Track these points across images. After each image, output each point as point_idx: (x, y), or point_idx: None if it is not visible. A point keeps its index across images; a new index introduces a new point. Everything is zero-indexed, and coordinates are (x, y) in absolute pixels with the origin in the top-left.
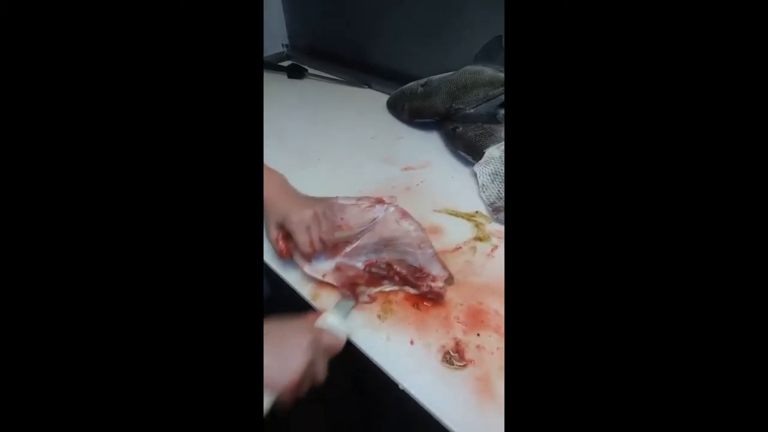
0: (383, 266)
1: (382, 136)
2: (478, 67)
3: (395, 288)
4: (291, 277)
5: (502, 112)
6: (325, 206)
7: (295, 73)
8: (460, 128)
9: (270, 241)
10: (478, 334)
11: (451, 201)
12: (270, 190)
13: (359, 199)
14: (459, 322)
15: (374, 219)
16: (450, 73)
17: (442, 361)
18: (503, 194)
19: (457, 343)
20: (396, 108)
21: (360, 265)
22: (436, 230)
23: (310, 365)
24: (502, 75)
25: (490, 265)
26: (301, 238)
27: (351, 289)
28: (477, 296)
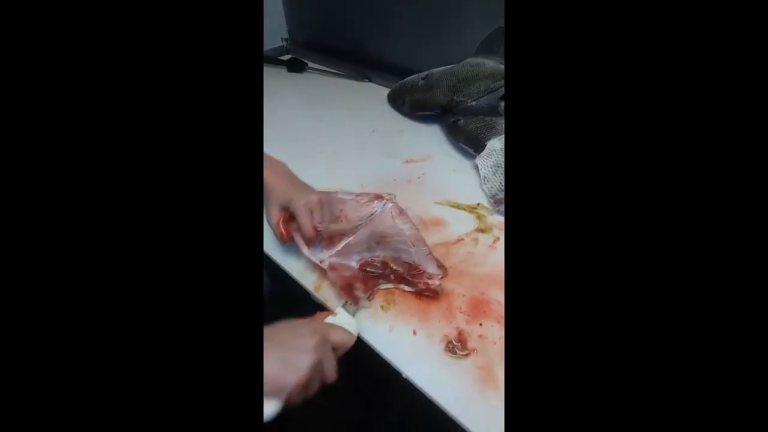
0: (378, 264)
1: (383, 129)
2: (479, 60)
3: (391, 286)
4: (293, 268)
5: (503, 104)
6: (326, 197)
7: (295, 67)
8: (462, 121)
9: (270, 224)
10: (481, 324)
11: (453, 193)
12: (273, 175)
13: (358, 194)
14: (461, 312)
15: (372, 214)
16: (451, 65)
17: (445, 350)
18: (505, 186)
19: (460, 333)
20: (397, 101)
21: (354, 264)
22: (438, 222)
23: (318, 365)
24: (503, 67)
25: (492, 256)
26: (305, 221)
27: (348, 292)
28: (479, 287)
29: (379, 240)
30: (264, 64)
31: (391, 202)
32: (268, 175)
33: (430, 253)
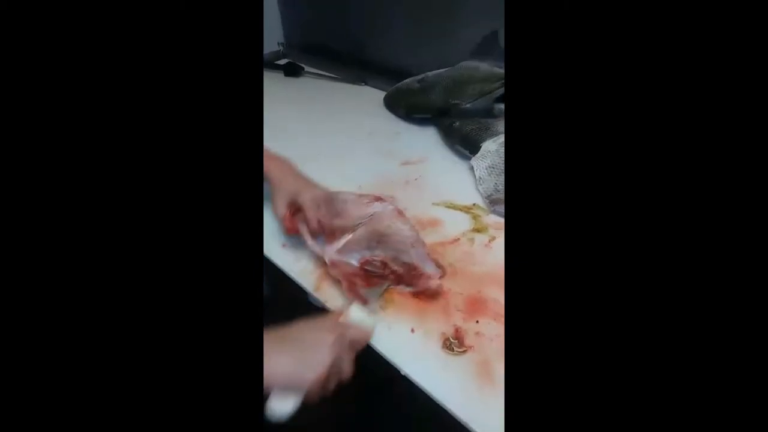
0: (378, 264)
1: (379, 132)
2: (474, 63)
3: (391, 287)
4: (291, 269)
5: (498, 106)
6: (331, 194)
7: (292, 71)
8: (457, 123)
9: (277, 216)
10: (477, 321)
11: (449, 194)
12: (279, 170)
13: (360, 195)
14: (458, 311)
15: (372, 214)
16: (446, 69)
17: (443, 347)
18: (500, 187)
19: (457, 330)
20: (393, 104)
21: (355, 262)
22: (434, 223)
23: (336, 362)
24: (497, 70)
25: (488, 256)
26: (312, 214)
27: (352, 289)
28: (476, 285)
29: (379, 240)
30: None
31: (390, 204)
32: (275, 169)
33: (429, 254)
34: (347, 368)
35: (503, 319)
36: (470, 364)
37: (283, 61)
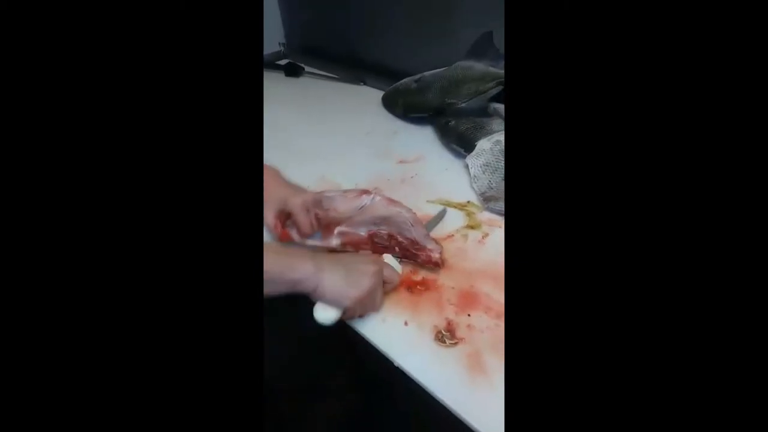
0: (385, 237)
1: (377, 131)
2: (469, 63)
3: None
4: None
5: (492, 105)
6: (317, 196)
7: (292, 71)
8: (453, 122)
9: (267, 226)
10: (469, 315)
11: (444, 192)
12: (265, 181)
13: (345, 191)
14: (451, 304)
15: (362, 207)
16: (443, 69)
17: (435, 339)
18: (494, 184)
19: (449, 323)
20: (391, 104)
21: (363, 233)
22: (429, 220)
23: (374, 289)
24: (492, 70)
25: (481, 251)
26: (303, 219)
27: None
28: (468, 280)
29: (382, 221)
30: None
31: (378, 195)
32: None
33: (428, 233)
34: (379, 300)
35: (494, 313)
36: (461, 356)
37: (283, 62)
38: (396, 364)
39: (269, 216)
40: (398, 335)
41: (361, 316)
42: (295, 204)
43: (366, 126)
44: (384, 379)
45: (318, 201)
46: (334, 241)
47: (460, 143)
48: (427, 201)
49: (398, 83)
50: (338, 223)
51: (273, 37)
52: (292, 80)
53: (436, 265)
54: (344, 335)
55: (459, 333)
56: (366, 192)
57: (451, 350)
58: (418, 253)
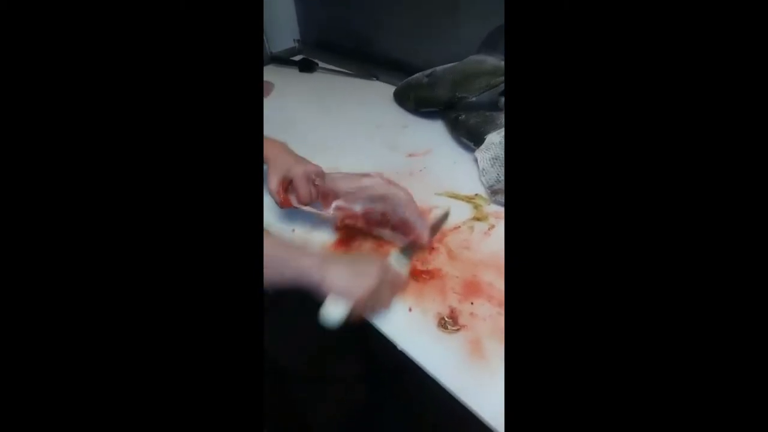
0: (378, 214)
1: (388, 125)
2: (480, 57)
3: (386, 233)
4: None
5: (503, 99)
6: (320, 168)
7: (306, 67)
8: (463, 116)
9: (270, 191)
10: (472, 303)
11: (453, 185)
12: (273, 149)
13: (348, 173)
14: (455, 293)
15: (365, 186)
16: (454, 63)
17: (438, 326)
18: (502, 178)
19: (452, 311)
20: (402, 98)
21: (358, 209)
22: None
23: (378, 288)
24: (503, 63)
25: (486, 243)
26: (303, 186)
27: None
28: (472, 270)
29: (378, 199)
30: (276, 65)
31: (380, 178)
32: (269, 150)
33: (419, 213)
34: (386, 300)
35: (496, 302)
36: (463, 342)
37: (298, 57)
38: (399, 349)
39: (273, 182)
40: (402, 321)
41: (370, 314)
42: (298, 172)
43: (377, 120)
44: (388, 363)
45: (320, 173)
46: (331, 212)
47: (470, 137)
48: (435, 193)
49: (410, 78)
50: (337, 195)
51: (288, 33)
52: (306, 75)
53: (423, 247)
54: (357, 338)
55: (461, 320)
56: (368, 175)
57: (454, 336)
58: (408, 232)
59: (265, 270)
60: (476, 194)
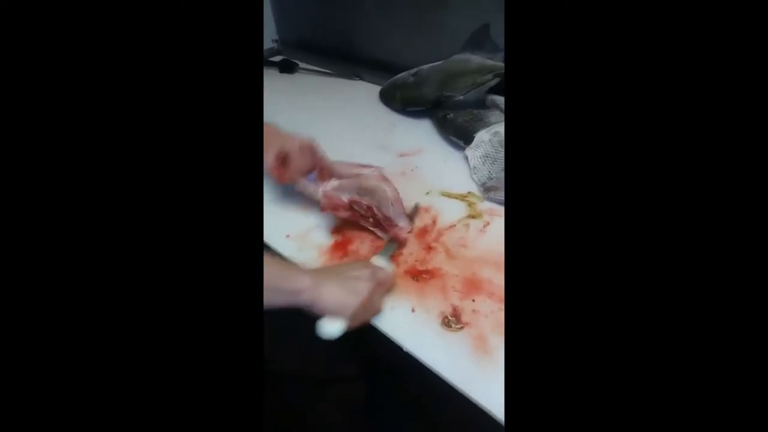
0: (364, 207)
1: (376, 125)
2: (465, 56)
3: (368, 226)
4: (297, 259)
5: (489, 97)
6: (314, 143)
7: (287, 67)
8: (451, 115)
9: (267, 170)
10: (473, 300)
11: (445, 183)
12: (267, 130)
13: (347, 162)
14: (455, 291)
15: (360, 175)
16: (439, 62)
17: (442, 324)
18: (494, 175)
19: (455, 309)
20: (388, 98)
21: (345, 199)
22: (431, 211)
23: (373, 293)
24: (489, 62)
25: (482, 240)
26: (300, 158)
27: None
28: (471, 267)
29: (366, 192)
30: None
31: (377, 171)
32: (263, 128)
33: (406, 213)
34: (379, 304)
35: (497, 297)
36: (467, 339)
37: (277, 58)
38: (405, 350)
39: (269, 158)
40: (406, 322)
41: (364, 323)
42: (293, 144)
43: (364, 120)
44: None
45: (314, 144)
46: (320, 194)
47: (459, 135)
48: (428, 193)
49: (395, 77)
50: (332, 175)
51: (266, 33)
52: (286, 77)
53: (402, 243)
54: (356, 338)
55: (464, 317)
56: (368, 166)
57: (457, 334)
58: (389, 228)
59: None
60: (469, 192)
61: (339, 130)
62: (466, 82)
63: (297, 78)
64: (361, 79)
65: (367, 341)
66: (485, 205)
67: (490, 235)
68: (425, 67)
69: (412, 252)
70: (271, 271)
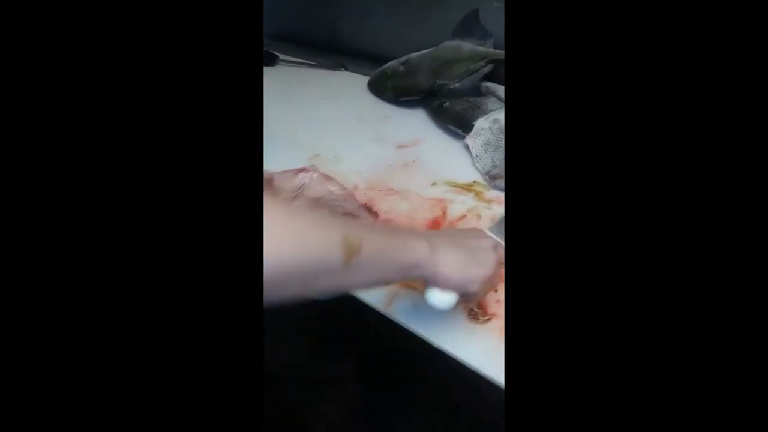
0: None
1: (368, 117)
2: (456, 42)
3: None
4: None
5: (485, 84)
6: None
7: (267, 60)
8: (447, 103)
9: None
10: (496, 290)
11: (449, 173)
12: None
13: (283, 171)
14: None
15: (302, 185)
16: (429, 50)
17: (468, 318)
18: (497, 162)
19: (479, 301)
20: (379, 88)
21: None
22: (439, 202)
23: (497, 268)
24: (481, 48)
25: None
26: None
27: None
28: None
29: (316, 203)
30: None
31: (316, 173)
32: None
33: (360, 204)
34: (498, 280)
35: None
36: (496, 330)
37: None
38: (435, 346)
39: None
40: (432, 318)
41: (489, 291)
42: None
43: (356, 112)
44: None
45: (269, 180)
46: None
47: (457, 124)
48: (433, 184)
49: (384, 67)
50: (273, 190)
51: None
52: (267, 69)
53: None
54: (378, 323)
55: (490, 309)
56: (303, 170)
57: (485, 326)
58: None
59: (362, 276)
60: (474, 181)
61: (331, 125)
62: (459, 69)
63: (278, 70)
64: (346, 69)
65: (397, 339)
66: (493, 194)
67: None
68: (414, 55)
69: None
70: (377, 241)
